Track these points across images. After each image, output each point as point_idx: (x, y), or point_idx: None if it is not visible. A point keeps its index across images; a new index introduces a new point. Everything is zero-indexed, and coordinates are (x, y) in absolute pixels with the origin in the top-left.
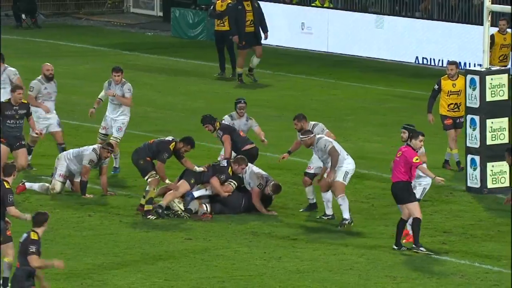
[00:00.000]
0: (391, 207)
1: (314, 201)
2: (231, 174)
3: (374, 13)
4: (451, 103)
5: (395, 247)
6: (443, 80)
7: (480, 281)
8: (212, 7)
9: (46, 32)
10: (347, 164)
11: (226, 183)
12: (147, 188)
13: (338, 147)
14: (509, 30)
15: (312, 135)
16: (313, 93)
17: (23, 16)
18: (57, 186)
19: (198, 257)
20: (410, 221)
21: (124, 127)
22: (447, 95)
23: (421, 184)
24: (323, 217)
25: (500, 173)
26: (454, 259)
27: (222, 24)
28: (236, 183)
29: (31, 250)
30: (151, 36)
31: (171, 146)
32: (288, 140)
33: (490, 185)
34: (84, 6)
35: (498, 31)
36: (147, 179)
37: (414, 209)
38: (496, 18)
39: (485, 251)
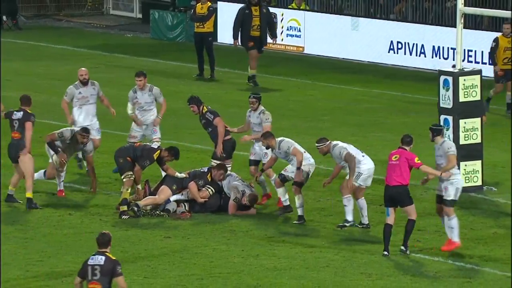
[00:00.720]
0: (367, 204)
1: (288, 203)
2: (209, 180)
3: (349, 15)
4: (506, 57)
5: (384, 253)
6: (500, 38)
7: (453, 278)
8: (192, 10)
9: (27, 34)
10: (362, 165)
11: (203, 189)
12: (121, 189)
13: (353, 150)
14: None
15: (328, 142)
16: (290, 93)
17: (4, 17)
18: (55, 159)
19: (177, 255)
20: (449, 223)
21: (158, 127)
22: (503, 51)
23: (453, 184)
24: (345, 224)
25: (473, 172)
26: (428, 256)
27: (201, 26)
28: (213, 190)
29: (119, 271)
30: (131, 37)
31: (155, 155)
32: None
33: (463, 184)
34: (64, 8)
35: (502, 34)
36: (122, 179)
37: (412, 211)
38: (468, 20)
39: (458, 249)
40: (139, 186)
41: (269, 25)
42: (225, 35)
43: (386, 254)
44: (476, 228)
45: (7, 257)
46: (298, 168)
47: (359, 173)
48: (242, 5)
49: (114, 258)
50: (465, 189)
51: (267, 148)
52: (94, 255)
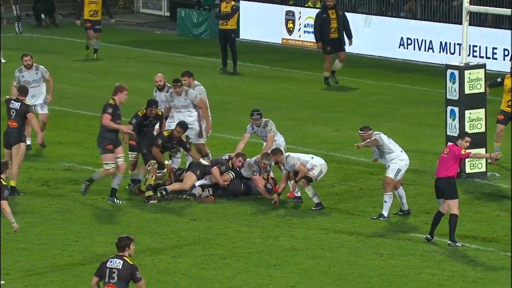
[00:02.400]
0: (378, 190)
1: (299, 194)
2: (231, 166)
3: (363, 13)
4: (510, 100)
5: (428, 237)
6: (506, 78)
7: (459, 257)
8: (218, 9)
9: (63, 31)
10: (400, 161)
11: (225, 173)
12: (146, 176)
13: (393, 145)
14: None
15: (371, 131)
16: (307, 86)
17: (43, 16)
18: None
19: (202, 236)
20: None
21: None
22: (508, 92)
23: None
24: (399, 213)
25: (477, 159)
26: (436, 237)
27: (225, 24)
28: (234, 174)
29: (139, 276)
30: (159, 34)
31: (165, 133)
32: (284, 130)
33: (468, 170)
34: None
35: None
36: (147, 167)
37: (454, 206)
38: (473, 17)
39: (463, 230)
40: (166, 162)
41: (345, 26)
42: (246, 31)
43: (428, 238)
44: (480, 211)
45: (45, 237)
46: (296, 181)
47: (399, 169)
48: (318, 10)
49: (132, 263)
50: (470, 175)
51: (275, 164)
52: (112, 257)
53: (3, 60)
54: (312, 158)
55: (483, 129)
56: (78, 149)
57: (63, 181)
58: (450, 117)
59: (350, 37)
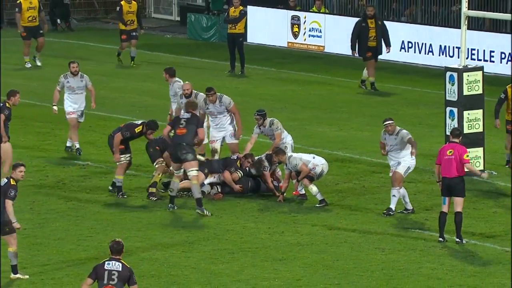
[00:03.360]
0: (380, 187)
1: (303, 191)
2: (239, 166)
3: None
4: None
5: (440, 240)
6: (509, 88)
7: (458, 252)
8: (226, 13)
9: (78, 35)
10: (411, 160)
11: (233, 172)
12: (153, 173)
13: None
14: None
15: (393, 122)
16: (311, 88)
17: (58, 20)
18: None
19: (211, 231)
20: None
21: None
22: (511, 101)
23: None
24: (404, 212)
25: (475, 158)
26: (435, 233)
27: (233, 28)
28: (242, 173)
29: (135, 280)
30: (170, 38)
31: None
32: (290, 129)
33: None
34: (111, 12)
35: None
36: (155, 165)
37: (461, 204)
38: (472, 22)
39: (462, 226)
40: (171, 168)
41: (384, 35)
42: (254, 35)
43: (441, 241)
44: (478, 208)
45: (61, 233)
46: (298, 180)
47: (409, 167)
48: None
49: (128, 266)
50: (468, 173)
51: (278, 164)
52: (109, 260)
53: (28, 65)
54: (313, 158)
55: (481, 129)
56: (92, 148)
57: (78, 179)
58: (449, 118)
59: (388, 45)
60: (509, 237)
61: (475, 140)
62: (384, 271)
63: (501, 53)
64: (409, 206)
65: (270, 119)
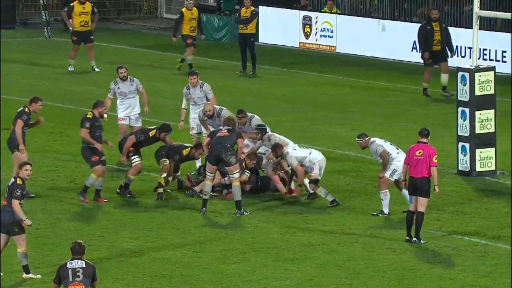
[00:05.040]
0: (392, 188)
1: (312, 191)
2: (244, 167)
3: (377, 18)
4: None
5: (407, 239)
6: None
7: (470, 252)
8: (237, 14)
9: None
10: (396, 162)
11: (242, 174)
12: (160, 174)
13: (389, 147)
14: None
15: (367, 138)
16: (323, 88)
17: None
18: None
19: (223, 231)
20: None
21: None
22: None
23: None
24: (379, 214)
25: (487, 158)
26: (446, 233)
27: (245, 28)
28: (250, 172)
29: (97, 276)
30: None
31: (184, 151)
32: (301, 130)
33: (478, 168)
34: (123, 12)
35: None
36: (161, 165)
37: (425, 204)
38: (484, 22)
39: (474, 226)
40: (170, 178)
41: (447, 39)
42: (265, 36)
43: (408, 240)
44: (490, 208)
45: (73, 232)
46: (299, 185)
47: (395, 169)
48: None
49: (91, 263)
50: (480, 173)
51: (277, 158)
52: (71, 260)
53: (71, 69)
54: (310, 153)
55: (492, 129)
56: (104, 148)
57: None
58: (461, 118)
59: (451, 49)
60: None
61: (486, 140)
62: (396, 271)
63: None
64: (386, 210)
65: (250, 115)
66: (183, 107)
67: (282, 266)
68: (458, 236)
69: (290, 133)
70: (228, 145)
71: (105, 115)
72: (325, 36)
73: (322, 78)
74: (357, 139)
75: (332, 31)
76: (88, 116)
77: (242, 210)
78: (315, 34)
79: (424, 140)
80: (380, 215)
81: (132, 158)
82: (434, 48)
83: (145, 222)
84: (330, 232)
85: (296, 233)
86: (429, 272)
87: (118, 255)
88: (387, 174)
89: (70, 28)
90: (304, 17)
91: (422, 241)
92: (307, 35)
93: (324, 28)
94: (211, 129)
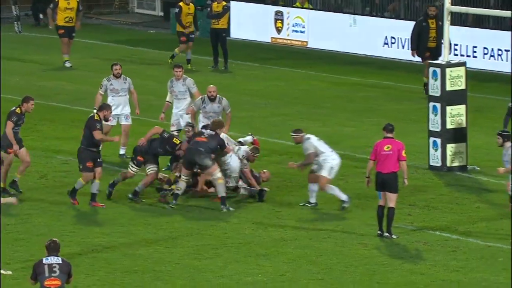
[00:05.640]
0: (363, 182)
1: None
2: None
3: (348, 13)
4: None
5: (379, 233)
6: None
7: (441, 247)
8: (209, 8)
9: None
10: (332, 160)
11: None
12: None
13: (323, 146)
14: None
15: (302, 134)
16: (295, 83)
17: (41, 16)
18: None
19: (195, 227)
20: None
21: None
22: None
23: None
24: (307, 204)
25: (458, 153)
26: (417, 228)
27: (216, 23)
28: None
29: (71, 273)
30: (153, 33)
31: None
32: (274, 125)
33: (449, 163)
34: (94, 7)
35: None
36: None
37: (394, 199)
38: (454, 17)
39: (445, 221)
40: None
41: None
42: (237, 31)
43: (379, 234)
44: (461, 203)
45: (44, 228)
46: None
47: (332, 167)
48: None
49: (67, 261)
50: (451, 168)
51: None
52: (47, 257)
53: (68, 65)
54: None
55: (463, 124)
56: (75, 143)
57: (60, 174)
58: (433, 113)
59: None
60: (492, 231)
61: (458, 135)
62: (367, 266)
63: (484, 48)
64: (313, 200)
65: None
66: (167, 99)
67: (254, 262)
68: (429, 231)
69: (263, 128)
70: (203, 149)
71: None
72: (297, 31)
73: (294, 73)
74: (292, 134)
75: (304, 27)
76: (95, 118)
77: (227, 205)
78: (287, 29)
79: (390, 135)
80: (345, 205)
81: (149, 167)
82: (430, 45)
83: (116, 217)
84: (302, 227)
85: (268, 228)
86: (400, 267)
87: (90, 250)
88: (325, 174)
89: (50, 27)
90: (276, 12)
91: (394, 236)
92: (279, 30)
93: (296, 23)
94: (201, 124)
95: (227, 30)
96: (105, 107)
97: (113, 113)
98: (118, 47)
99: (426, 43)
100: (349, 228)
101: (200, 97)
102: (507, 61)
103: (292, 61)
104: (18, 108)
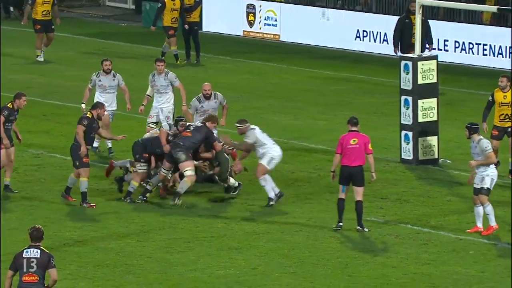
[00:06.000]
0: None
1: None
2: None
3: (320, 7)
4: (502, 114)
5: (340, 225)
6: (496, 92)
7: (412, 240)
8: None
9: (31, 23)
10: (273, 152)
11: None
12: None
13: (266, 139)
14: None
15: (247, 125)
16: (268, 77)
17: (11, 8)
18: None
19: (166, 220)
20: (486, 210)
21: (171, 115)
22: (499, 106)
23: (489, 175)
24: (271, 203)
25: (429, 147)
26: (389, 221)
27: (188, 16)
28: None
29: (53, 264)
30: (125, 26)
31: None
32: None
33: (421, 157)
34: (65, 0)
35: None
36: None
37: (362, 193)
38: (427, 11)
39: (416, 215)
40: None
41: (427, 33)
42: (209, 24)
43: (340, 226)
44: (433, 196)
45: (15, 222)
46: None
47: (272, 158)
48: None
49: (47, 251)
50: (422, 162)
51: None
52: (27, 248)
53: (40, 59)
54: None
55: (435, 118)
56: (46, 137)
57: (32, 168)
58: (404, 106)
59: (430, 43)
60: (463, 225)
61: (429, 128)
62: (340, 260)
63: (455, 42)
64: (275, 192)
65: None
66: (147, 93)
67: (227, 255)
68: (401, 224)
69: (235, 122)
70: (182, 143)
71: (84, 106)
72: (269, 25)
73: (266, 66)
74: (237, 124)
75: (276, 20)
76: (87, 115)
77: (178, 201)
78: (259, 22)
79: (355, 128)
80: (272, 203)
81: (142, 165)
82: (413, 41)
83: (88, 211)
84: (275, 221)
85: (241, 222)
86: (372, 260)
87: (61, 244)
88: (264, 162)
89: (23, 23)
90: (248, 6)
91: (365, 229)
92: (251, 24)
93: (268, 16)
94: (197, 119)
95: (199, 23)
96: (98, 105)
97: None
98: (90, 40)
99: (409, 40)
100: (321, 222)
101: (195, 98)
102: (477, 54)
103: (265, 55)
104: (10, 104)
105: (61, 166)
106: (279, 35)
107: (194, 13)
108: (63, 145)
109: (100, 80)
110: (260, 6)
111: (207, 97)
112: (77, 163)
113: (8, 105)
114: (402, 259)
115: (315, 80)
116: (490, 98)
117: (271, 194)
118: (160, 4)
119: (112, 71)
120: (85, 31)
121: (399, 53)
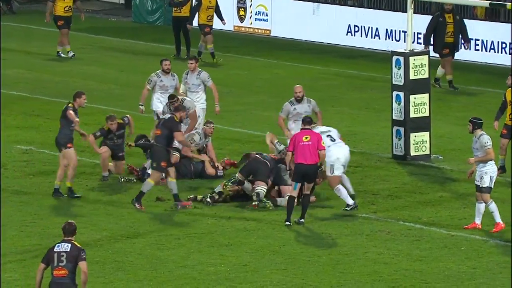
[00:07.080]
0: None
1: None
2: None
3: (311, 1)
4: (511, 113)
5: (287, 223)
6: (507, 91)
7: (404, 236)
8: None
9: (20, 17)
10: (332, 155)
11: (172, 155)
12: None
13: (324, 139)
14: None
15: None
16: (258, 72)
17: (1, 3)
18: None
19: (157, 217)
20: (489, 207)
21: (202, 116)
22: (510, 105)
23: (487, 173)
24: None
25: (421, 142)
26: (381, 217)
27: (178, 11)
28: (180, 153)
29: (84, 257)
30: (115, 21)
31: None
32: (236, 114)
33: (413, 153)
34: None
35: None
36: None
37: (310, 188)
38: (418, 5)
39: (408, 211)
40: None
41: (462, 31)
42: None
43: (288, 224)
44: (424, 192)
45: (4, 219)
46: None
47: (331, 164)
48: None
49: (79, 245)
50: (414, 158)
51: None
52: (60, 243)
53: (70, 54)
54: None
55: (427, 113)
56: (35, 133)
57: (21, 164)
58: (396, 102)
59: (467, 41)
60: (455, 221)
61: (421, 124)
62: (331, 256)
63: None
64: (350, 201)
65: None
66: (181, 90)
67: (217, 252)
68: (393, 221)
69: (225, 118)
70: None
71: (142, 107)
72: (259, 20)
73: (256, 62)
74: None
75: (267, 15)
76: (176, 119)
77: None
78: (250, 17)
79: (308, 126)
80: (348, 208)
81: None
82: (447, 40)
83: (77, 207)
84: (265, 217)
85: (231, 218)
86: (364, 256)
87: (51, 241)
88: (328, 173)
89: (46, 21)
90: (239, 0)
91: (301, 220)
92: (241, 19)
93: (258, 11)
94: (291, 124)
95: (189, 18)
96: (181, 108)
97: (159, 110)
98: (79, 35)
99: (443, 39)
100: (313, 218)
101: (287, 101)
102: (469, 49)
103: (255, 50)
104: (71, 104)
105: (50, 162)
106: (270, 30)
107: (184, 7)
108: (51, 141)
109: (161, 81)
110: (251, 1)
111: (299, 100)
112: (154, 165)
113: (69, 105)
114: (394, 255)
115: (305, 75)
116: (504, 98)
117: (349, 201)
118: (196, 2)
119: (171, 72)
120: (75, 26)
121: (428, 49)
